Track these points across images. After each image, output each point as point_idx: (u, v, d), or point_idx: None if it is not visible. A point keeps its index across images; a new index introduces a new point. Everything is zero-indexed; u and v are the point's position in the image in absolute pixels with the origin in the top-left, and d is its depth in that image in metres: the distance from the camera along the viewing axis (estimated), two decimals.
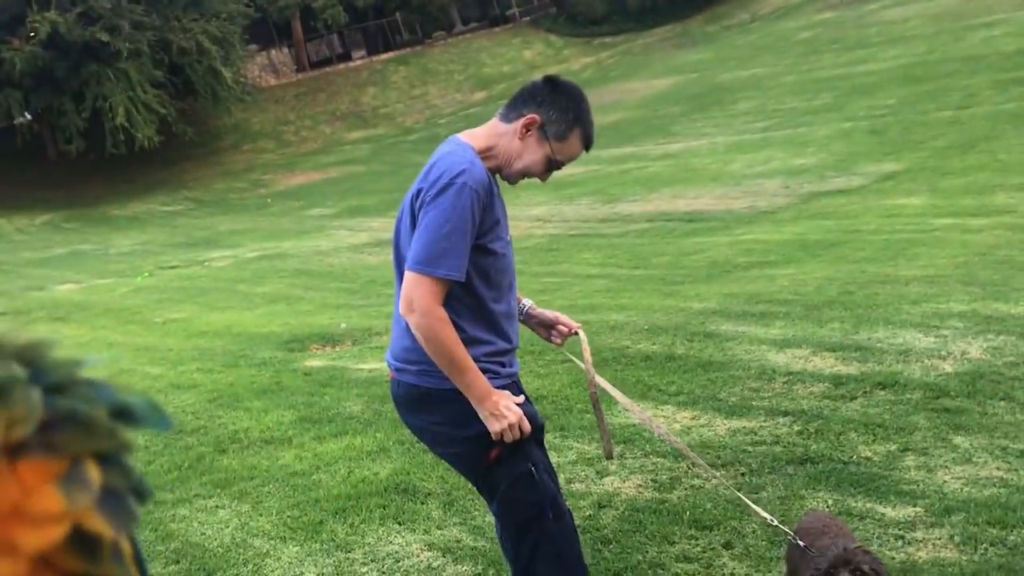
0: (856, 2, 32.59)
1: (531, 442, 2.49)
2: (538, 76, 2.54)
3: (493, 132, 2.48)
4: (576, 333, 2.76)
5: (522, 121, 2.42)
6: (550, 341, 2.84)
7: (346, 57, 42.54)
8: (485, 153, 2.44)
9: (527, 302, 2.80)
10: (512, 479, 2.47)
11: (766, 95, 22.48)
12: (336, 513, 4.00)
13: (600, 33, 41.93)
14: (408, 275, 2.37)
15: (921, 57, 21.26)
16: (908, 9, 28.11)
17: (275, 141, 35.68)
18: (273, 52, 41.46)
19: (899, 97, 18.13)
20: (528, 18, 44.97)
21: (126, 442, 0.52)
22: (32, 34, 28.33)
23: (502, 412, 2.36)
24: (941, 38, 22.62)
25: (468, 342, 2.39)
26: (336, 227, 18.29)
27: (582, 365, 2.77)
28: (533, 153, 2.44)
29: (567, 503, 2.65)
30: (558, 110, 2.43)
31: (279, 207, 24.09)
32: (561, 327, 2.79)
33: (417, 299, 2.33)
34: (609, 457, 2.85)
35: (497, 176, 2.52)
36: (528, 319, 2.79)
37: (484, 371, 2.41)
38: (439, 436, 2.53)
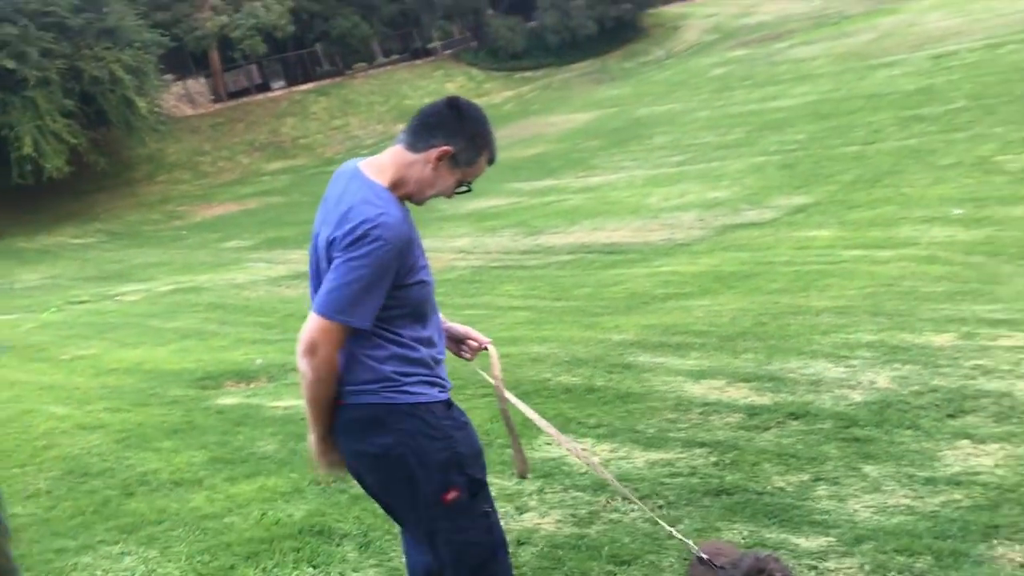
0: (766, 41, 33.69)
1: (484, 480, 2.50)
2: (439, 100, 2.51)
3: (401, 163, 2.44)
4: (486, 348, 2.75)
5: (435, 153, 2.40)
6: (459, 355, 2.81)
7: (265, 88, 42.11)
8: (396, 185, 2.42)
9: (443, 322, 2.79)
10: (468, 522, 2.45)
11: (681, 130, 22.98)
12: (248, 557, 3.88)
13: (521, 67, 42.46)
14: (315, 318, 2.35)
15: (828, 94, 22.01)
16: (815, 48, 29.16)
17: (191, 172, 35.03)
18: (190, 82, 40.79)
19: (808, 132, 18.72)
20: (449, 51, 45.25)
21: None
22: None
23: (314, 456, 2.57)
24: (846, 76, 23.47)
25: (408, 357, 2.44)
26: (254, 259, 17.99)
27: (491, 380, 2.73)
28: (445, 180, 2.45)
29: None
30: (466, 138, 2.43)
31: (195, 239, 23.61)
32: (471, 342, 2.77)
33: (322, 345, 2.35)
34: (523, 476, 2.84)
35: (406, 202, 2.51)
36: (450, 331, 2.78)
37: (432, 382, 2.46)
38: (388, 460, 2.43)
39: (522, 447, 2.85)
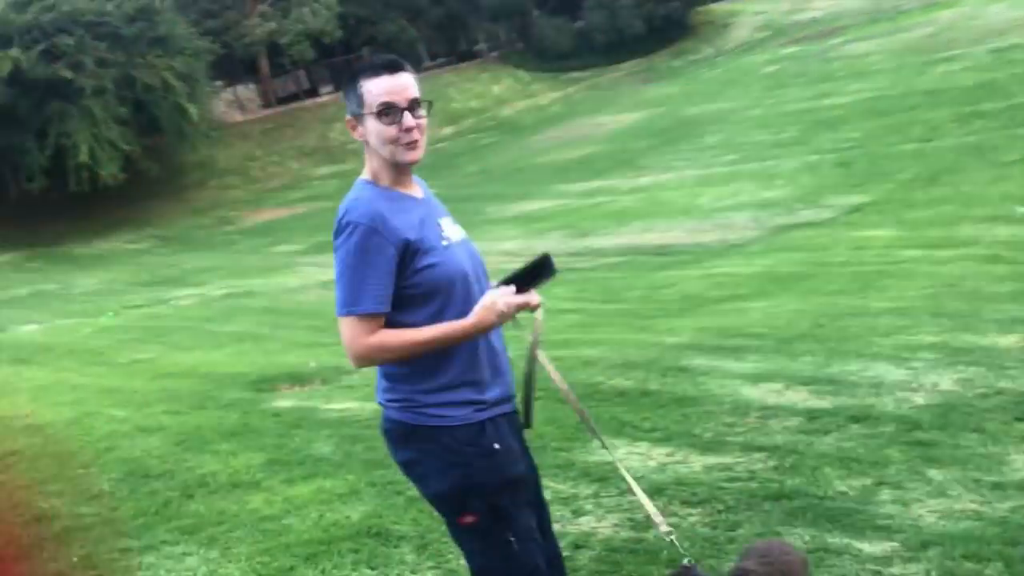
0: (819, 37, 33.22)
1: (516, 508, 2.38)
2: None
3: (366, 159, 2.44)
4: (535, 308, 2.47)
5: (350, 130, 2.40)
6: None
7: (313, 93, 42.57)
8: (379, 175, 2.39)
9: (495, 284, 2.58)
10: (487, 548, 2.37)
11: (733, 129, 22.76)
12: (307, 558, 3.91)
13: (568, 68, 42.33)
14: (339, 324, 2.34)
15: (884, 91, 21.65)
16: (870, 44, 28.69)
17: (241, 177, 35.53)
18: (239, 88, 41.38)
19: (864, 130, 18.43)
20: (495, 54, 45.34)
21: None
22: None
23: (499, 323, 2.32)
24: (904, 72, 23.07)
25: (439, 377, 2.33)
26: (304, 263, 18.19)
27: (528, 337, 2.57)
28: (370, 131, 2.34)
29: (559, 555, 2.56)
30: (346, 95, 2.38)
31: (246, 244, 23.95)
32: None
33: (349, 343, 2.31)
34: (527, 426, 2.60)
35: (410, 190, 2.43)
36: None
37: (463, 403, 2.33)
38: (417, 475, 2.44)
39: (533, 406, 2.62)
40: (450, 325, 2.30)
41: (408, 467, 2.44)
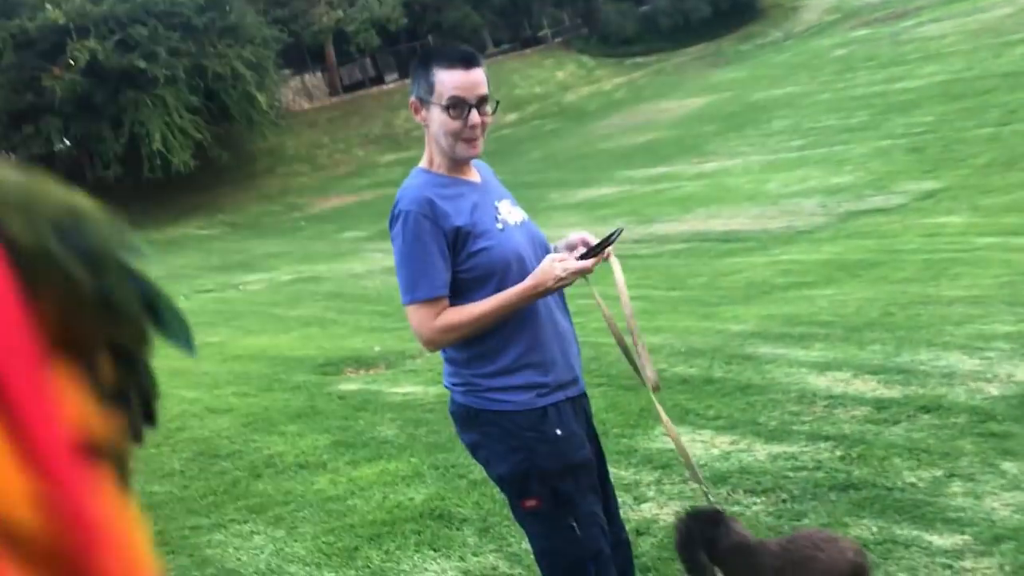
0: (891, 19, 32.36)
1: (579, 493, 2.39)
2: None
3: (426, 142, 2.46)
4: (608, 258, 2.47)
5: (412, 112, 2.41)
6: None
7: (379, 80, 42.89)
8: (435, 161, 2.42)
9: (552, 246, 2.58)
10: (550, 531, 2.39)
11: (801, 113, 22.33)
12: (371, 539, 3.97)
13: (632, 53, 41.93)
14: (406, 313, 2.39)
15: (959, 74, 21.02)
16: (945, 25, 27.84)
17: (309, 164, 36.00)
18: (306, 76, 41.89)
19: (937, 114, 17.92)
20: (559, 39, 45.12)
21: (148, 340, 0.46)
22: (72, 62, 28.88)
23: (555, 287, 2.31)
24: (980, 54, 22.35)
25: (502, 359, 2.35)
26: (370, 250, 18.38)
27: (600, 301, 2.59)
28: (435, 121, 2.35)
29: (627, 541, 2.56)
30: (415, 78, 2.38)
31: (313, 230, 24.28)
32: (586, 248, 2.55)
33: (417, 329, 2.36)
34: (656, 389, 2.58)
35: (467, 176, 2.43)
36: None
37: (525, 387, 2.34)
38: (482, 457, 2.47)
39: (643, 362, 2.60)
40: (509, 291, 2.31)
41: (473, 449, 2.48)
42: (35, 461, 0.37)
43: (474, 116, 2.32)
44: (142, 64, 29.13)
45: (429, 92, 2.33)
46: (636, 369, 2.63)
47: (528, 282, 2.30)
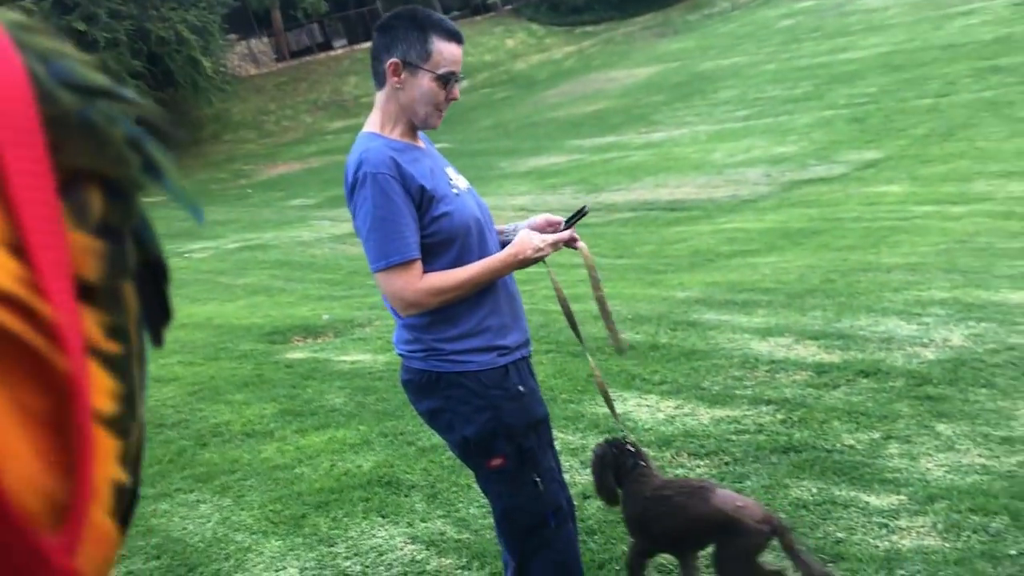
0: None
1: (540, 449, 2.46)
2: (373, 35, 2.44)
3: (382, 103, 2.42)
4: (575, 246, 2.57)
5: (390, 71, 2.36)
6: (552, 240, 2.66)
7: (327, 46, 42.27)
8: (388, 126, 2.41)
9: (512, 226, 2.66)
10: (515, 489, 2.44)
11: (747, 84, 22.51)
12: (319, 507, 3.97)
13: (582, 22, 41.86)
14: (377, 279, 2.35)
15: (901, 45, 21.34)
16: None
17: (256, 131, 35.44)
18: (253, 41, 41.12)
19: (879, 85, 18.19)
20: (510, 7, 44.82)
21: (138, 177, 0.46)
22: None
23: (533, 256, 2.38)
24: (921, 26, 22.70)
25: (459, 324, 2.37)
26: (318, 217, 18.20)
27: (554, 280, 2.74)
28: (420, 86, 2.35)
29: (571, 501, 2.61)
30: (403, 39, 2.35)
31: (260, 198, 23.94)
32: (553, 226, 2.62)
33: (399, 291, 2.32)
34: (621, 352, 2.76)
35: (417, 142, 2.44)
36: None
37: (487, 348, 2.39)
38: (443, 423, 2.47)
39: (614, 328, 2.78)
40: (491, 259, 2.37)
41: (433, 416, 2.48)
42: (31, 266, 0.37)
43: (455, 91, 2.39)
44: (81, 26, 28.34)
45: (423, 59, 2.34)
46: (578, 335, 2.78)
47: (510, 250, 2.38)
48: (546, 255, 2.42)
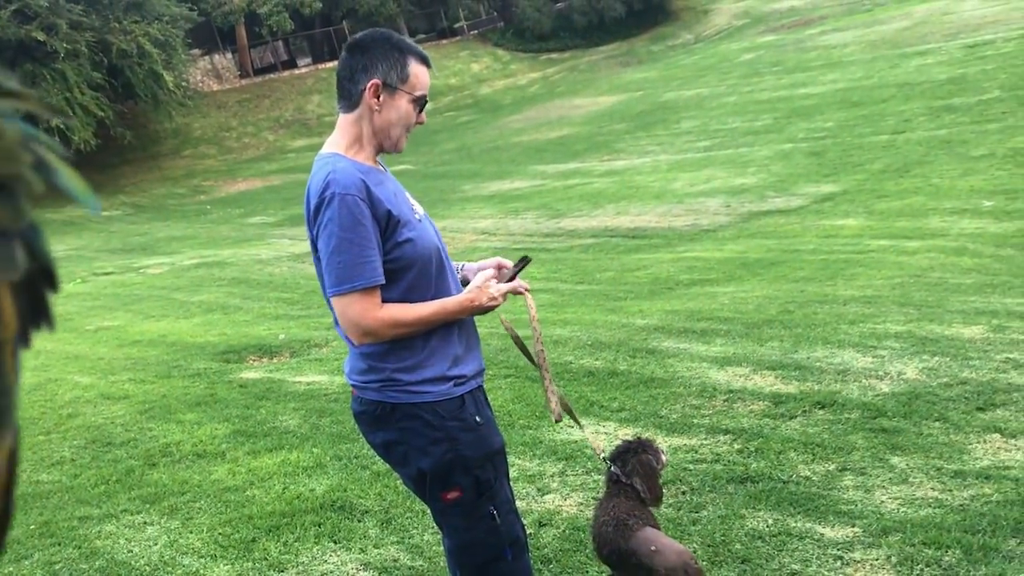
0: (797, 26, 33.29)
1: (497, 480, 2.43)
2: (342, 55, 2.42)
3: (347, 125, 2.39)
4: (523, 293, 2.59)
5: (369, 93, 2.33)
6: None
7: (291, 64, 42.12)
8: (354, 148, 2.38)
9: (461, 265, 2.67)
10: (472, 522, 2.40)
11: (709, 115, 22.79)
12: (270, 530, 3.89)
13: (547, 49, 42.19)
14: (336, 302, 2.30)
15: (858, 82, 21.75)
16: (847, 35, 28.78)
17: (217, 147, 35.14)
18: (216, 57, 40.84)
19: (837, 120, 18.51)
20: (476, 32, 45.06)
21: (25, 174, 0.43)
22: None
23: (488, 305, 2.41)
24: (878, 64, 23.17)
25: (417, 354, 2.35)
26: (277, 236, 18.04)
27: (504, 320, 2.79)
28: (397, 108, 2.35)
29: (524, 529, 2.57)
30: (382, 60, 2.34)
31: (219, 214, 23.69)
32: (505, 272, 2.63)
33: (357, 318, 2.27)
34: (558, 420, 2.71)
35: (378, 166, 2.42)
36: (468, 276, 2.61)
37: (443, 378, 2.36)
38: (398, 455, 2.42)
39: (555, 391, 2.72)
40: (450, 300, 2.37)
41: (388, 448, 2.43)
42: None
43: (423, 115, 2.43)
44: (41, 36, 27.93)
45: (403, 81, 2.35)
46: (532, 360, 2.78)
47: (466, 295, 2.40)
48: (499, 304, 2.45)
